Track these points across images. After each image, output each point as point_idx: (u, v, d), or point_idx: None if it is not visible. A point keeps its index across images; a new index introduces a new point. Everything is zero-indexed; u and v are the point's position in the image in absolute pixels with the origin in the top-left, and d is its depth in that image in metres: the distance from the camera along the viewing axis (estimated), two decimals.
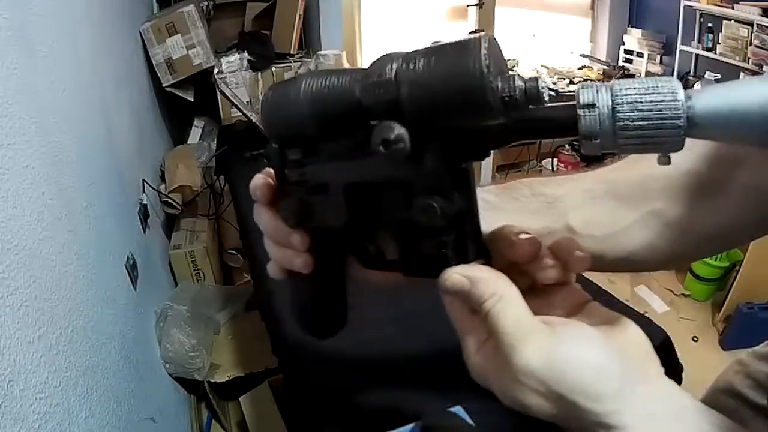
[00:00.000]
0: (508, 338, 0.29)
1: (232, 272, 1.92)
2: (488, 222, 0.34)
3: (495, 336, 0.30)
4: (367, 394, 0.71)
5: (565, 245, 0.33)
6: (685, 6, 2.81)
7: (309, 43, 2.34)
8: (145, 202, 1.43)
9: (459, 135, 0.30)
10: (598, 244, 0.43)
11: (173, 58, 1.90)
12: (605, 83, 0.26)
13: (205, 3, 2.17)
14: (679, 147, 0.25)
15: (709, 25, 2.74)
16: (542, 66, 3.31)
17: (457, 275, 0.31)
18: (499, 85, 0.26)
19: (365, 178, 0.33)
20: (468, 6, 2.96)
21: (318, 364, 0.76)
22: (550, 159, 3.13)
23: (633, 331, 0.31)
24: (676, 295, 2.26)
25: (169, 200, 1.67)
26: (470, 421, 0.64)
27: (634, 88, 0.25)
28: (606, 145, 0.26)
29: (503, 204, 0.44)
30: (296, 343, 0.82)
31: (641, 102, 0.24)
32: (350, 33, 2.57)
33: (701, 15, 2.78)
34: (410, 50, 0.30)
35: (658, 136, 0.24)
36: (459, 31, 2.95)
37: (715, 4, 2.65)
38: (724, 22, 2.62)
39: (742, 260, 1.94)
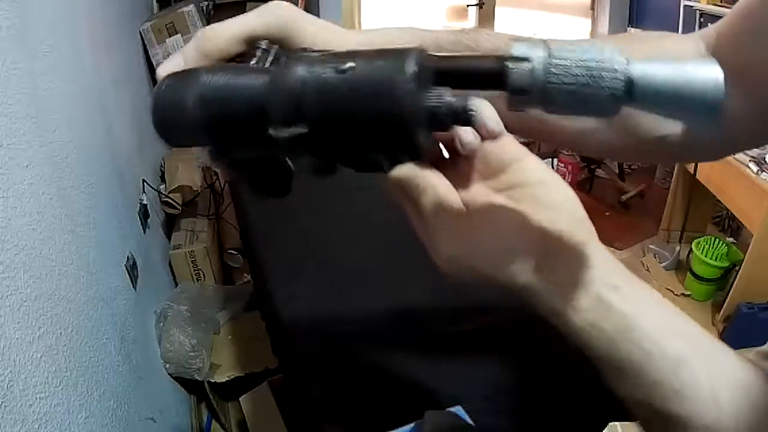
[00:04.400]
0: (427, 230, 0.32)
1: (232, 272, 1.92)
2: None
3: None
4: (367, 393, 0.71)
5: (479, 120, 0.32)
6: (685, 6, 2.81)
7: None
8: (145, 202, 1.43)
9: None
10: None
11: None
12: (544, 40, 0.25)
13: (205, 3, 2.17)
14: (612, 112, 0.24)
15: (709, 25, 2.74)
16: None
17: (393, 175, 0.32)
18: (426, 103, 0.27)
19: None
20: (468, 6, 2.96)
21: (318, 364, 0.76)
22: (551, 159, 3.13)
23: (559, 196, 0.32)
24: (676, 295, 2.26)
25: (169, 200, 1.67)
26: (470, 421, 0.64)
27: (574, 49, 0.24)
28: (535, 102, 0.25)
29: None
30: (296, 343, 0.82)
31: (579, 64, 0.23)
32: None
33: (701, 15, 2.78)
34: (324, 60, 0.29)
35: (596, 103, 0.24)
36: None
37: (715, 4, 2.65)
38: None
39: (742, 260, 1.94)
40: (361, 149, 0.29)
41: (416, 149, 0.29)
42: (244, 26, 0.35)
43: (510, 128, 0.45)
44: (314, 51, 0.33)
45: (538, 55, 0.24)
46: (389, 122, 0.27)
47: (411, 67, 0.26)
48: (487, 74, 0.26)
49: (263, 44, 0.33)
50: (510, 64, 0.25)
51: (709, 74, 0.22)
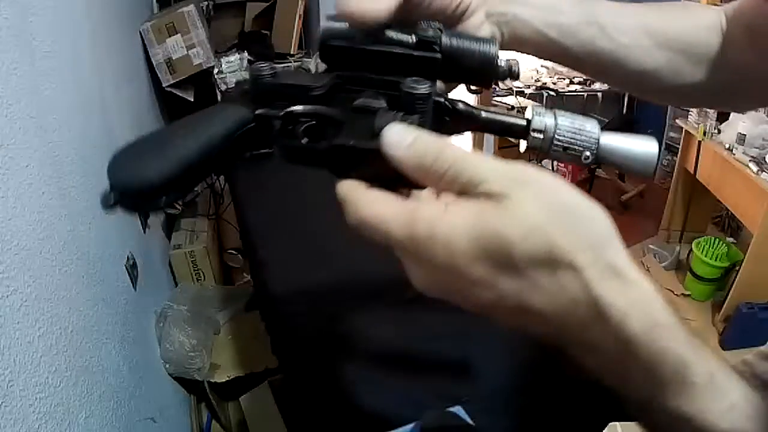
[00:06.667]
0: (495, 188, 0.26)
1: (232, 272, 1.92)
2: (513, 11, 0.44)
3: (472, 189, 0.27)
4: (367, 393, 0.71)
5: None
6: None
7: (309, 43, 2.34)
8: None
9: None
10: (620, 50, 0.48)
11: (173, 58, 1.90)
12: (552, 111, 0.36)
13: (205, 3, 2.17)
14: (588, 165, 0.37)
15: None
16: (542, 66, 3.31)
17: (399, 127, 0.29)
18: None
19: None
20: None
21: (318, 364, 0.76)
22: (550, 161, 3.13)
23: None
24: (676, 295, 2.26)
25: None
26: (470, 421, 0.64)
27: (570, 124, 0.35)
28: (543, 144, 0.36)
29: None
30: (296, 343, 0.82)
31: (573, 136, 0.35)
32: None
33: None
34: None
35: (576, 158, 0.35)
36: None
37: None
38: None
39: (742, 260, 1.94)
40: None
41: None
42: None
43: (582, 69, 0.51)
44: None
45: (549, 127, 0.35)
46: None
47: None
48: (518, 132, 0.36)
49: (429, 33, 0.38)
50: (532, 134, 0.35)
51: (650, 148, 0.35)
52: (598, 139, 0.35)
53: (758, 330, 1.79)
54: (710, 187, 2.21)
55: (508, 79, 0.39)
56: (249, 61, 2.09)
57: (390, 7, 0.35)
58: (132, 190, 0.33)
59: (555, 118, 0.36)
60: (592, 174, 3.13)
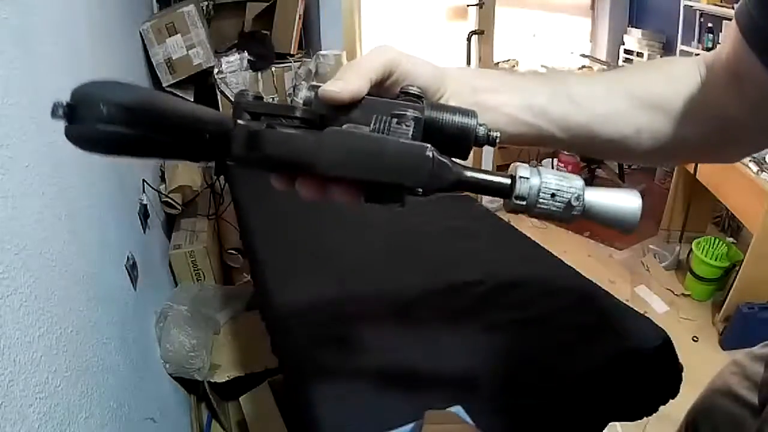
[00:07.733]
0: None
1: (232, 272, 1.92)
2: (485, 100, 0.43)
3: None
4: (367, 394, 0.71)
5: None
6: (685, 6, 2.81)
7: (309, 43, 2.34)
8: (145, 202, 1.43)
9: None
10: (596, 120, 0.47)
11: (173, 58, 1.91)
12: (536, 167, 0.36)
13: (205, 3, 2.17)
14: (572, 222, 0.37)
15: (709, 25, 2.74)
16: (542, 66, 3.31)
17: None
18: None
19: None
20: (468, 6, 2.95)
21: (318, 364, 0.76)
22: (550, 159, 3.13)
23: None
24: (676, 295, 2.26)
25: (169, 200, 1.67)
26: (470, 421, 0.64)
27: (556, 177, 0.36)
28: (528, 208, 0.36)
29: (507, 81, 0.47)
30: (296, 343, 0.82)
31: (559, 190, 0.36)
32: (350, 33, 2.56)
33: (701, 15, 2.78)
34: None
35: (562, 215, 0.36)
36: (459, 30, 2.94)
37: (715, 4, 2.65)
38: (724, 22, 2.62)
39: (742, 260, 1.94)
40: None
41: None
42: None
43: (563, 146, 0.50)
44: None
45: (535, 176, 0.36)
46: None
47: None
48: (500, 187, 0.37)
49: (413, 89, 0.38)
50: (518, 180, 0.36)
51: (633, 203, 0.36)
52: (582, 194, 0.36)
53: (758, 330, 1.79)
54: (710, 187, 2.21)
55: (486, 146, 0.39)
56: (249, 61, 2.09)
57: (359, 93, 0.37)
58: (85, 100, 0.32)
59: (540, 176, 0.36)
60: (592, 174, 3.13)
